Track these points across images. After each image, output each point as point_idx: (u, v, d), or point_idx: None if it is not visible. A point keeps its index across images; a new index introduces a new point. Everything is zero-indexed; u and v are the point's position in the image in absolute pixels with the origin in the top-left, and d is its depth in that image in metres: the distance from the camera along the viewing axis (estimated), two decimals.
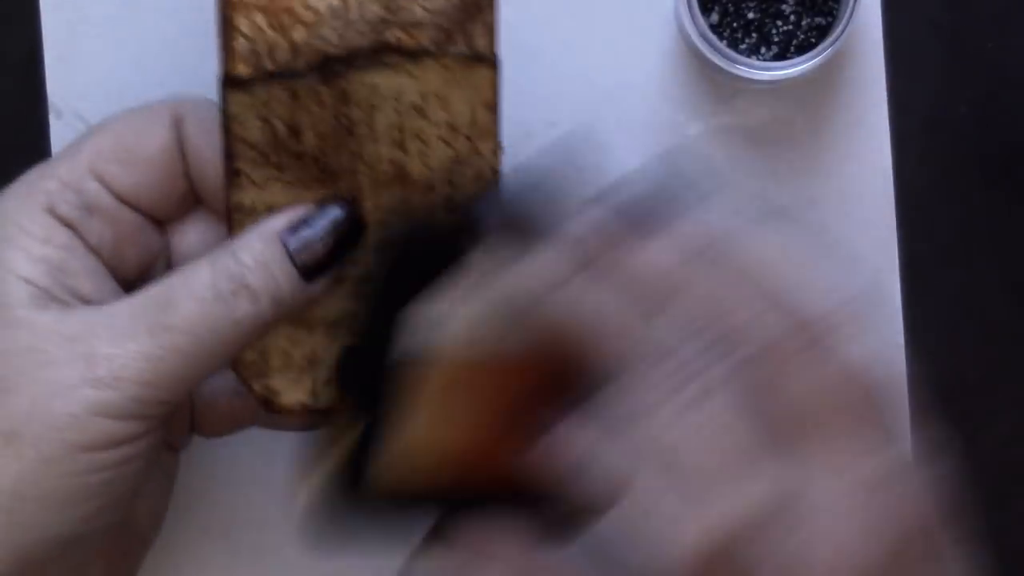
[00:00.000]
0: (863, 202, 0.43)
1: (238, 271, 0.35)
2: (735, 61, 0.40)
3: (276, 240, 0.36)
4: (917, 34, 0.43)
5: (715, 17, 0.41)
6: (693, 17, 0.40)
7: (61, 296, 0.35)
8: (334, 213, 0.36)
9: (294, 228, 0.36)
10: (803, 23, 0.41)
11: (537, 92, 0.43)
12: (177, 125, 0.37)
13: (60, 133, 0.42)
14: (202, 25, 0.41)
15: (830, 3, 0.41)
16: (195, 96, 0.38)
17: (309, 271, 0.36)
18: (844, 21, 0.39)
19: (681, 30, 0.41)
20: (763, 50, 0.41)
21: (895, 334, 0.44)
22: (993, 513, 0.46)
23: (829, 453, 0.29)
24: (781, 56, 0.41)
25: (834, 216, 0.43)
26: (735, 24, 0.41)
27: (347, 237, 0.36)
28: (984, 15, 0.43)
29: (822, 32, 0.41)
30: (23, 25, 0.42)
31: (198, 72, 0.41)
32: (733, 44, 0.41)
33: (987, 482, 0.46)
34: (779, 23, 0.41)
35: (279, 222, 0.36)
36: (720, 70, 0.40)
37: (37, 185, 0.36)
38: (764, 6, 0.41)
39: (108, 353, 0.33)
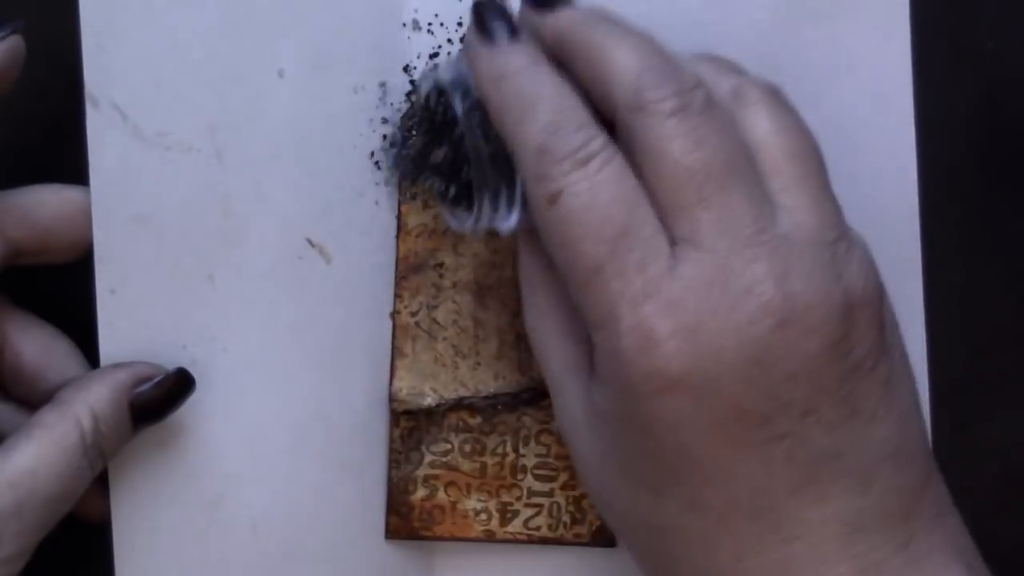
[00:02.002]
0: (886, 204, 0.44)
1: (96, 441, 0.39)
2: None
3: (126, 403, 0.40)
4: (917, 34, 0.43)
5: None
6: None
7: None
8: (172, 375, 0.41)
9: (137, 384, 0.40)
10: None
11: None
12: None
13: (96, 123, 0.41)
14: (241, 14, 0.42)
15: None
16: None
17: (137, 426, 0.41)
18: None
19: None
20: None
21: (918, 340, 0.44)
22: (993, 513, 0.46)
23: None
24: None
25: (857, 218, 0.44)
26: None
27: (176, 397, 0.41)
28: (984, 15, 0.44)
29: None
30: (61, 12, 0.41)
31: (237, 62, 0.42)
32: None
33: (987, 482, 0.47)
34: None
35: (125, 377, 0.40)
36: None
37: None
38: None
39: None
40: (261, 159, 0.42)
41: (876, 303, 0.35)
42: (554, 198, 0.34)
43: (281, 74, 0.42)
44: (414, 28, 0.43)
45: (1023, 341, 0.46)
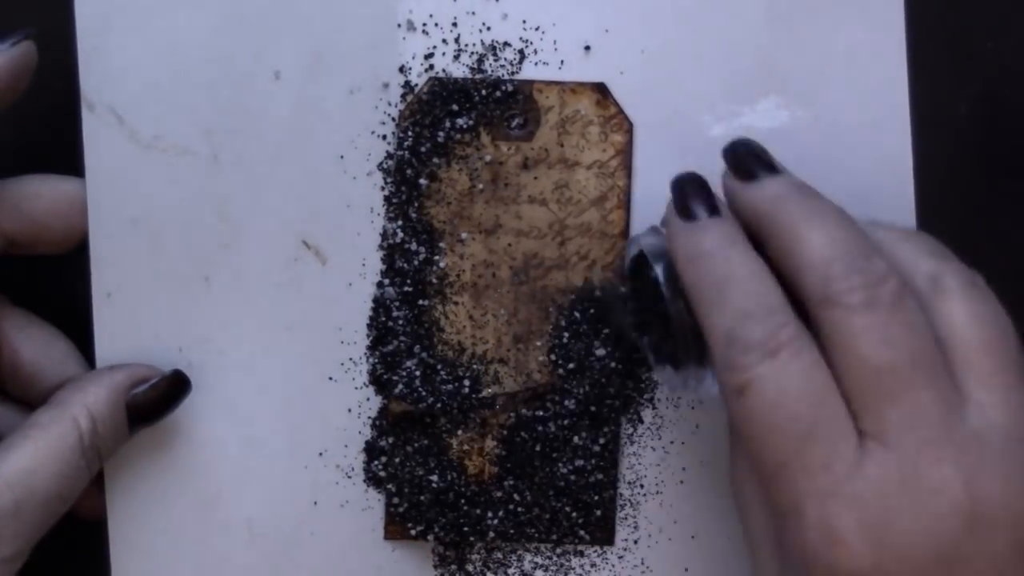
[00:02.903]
0: (884, 204, 0.43)
1: (93, 442, 0.40)
2: None
3: (123, 405, 0.40)
4: (917, 34, 0.43)
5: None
6: None
7: None
8: (168, 376, 0.42)
9: (134, 386, 0.41)
10: None
11: None
12: None
13: (93, 126, 0.41)
14: (237, 17, 0.42)
15: None
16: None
17: (134, 428, 0.41)
18: None
19: None
20: None
21: None
22: None
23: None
24: None
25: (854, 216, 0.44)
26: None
27: (172, 399, 0.42)
28: (984, 15, 0.44)
29: None
30: (56, 16, 0.42)
31: (232, 64, 0.42)
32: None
33: None
34: None
35: (122, 379, 0.41)
36: None
37: None
38: None
39: None
40: (257, 161, 0.42)
41: None
42: (742, 390, 0.33)
43: (277, 76, 0.42)
44: (409, 29, 0.43)
45: (1022, 341, 0.46)
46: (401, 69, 0.43)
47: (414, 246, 0.43)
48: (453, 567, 0.45)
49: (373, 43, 0.43)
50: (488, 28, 0.43)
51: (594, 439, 0.44)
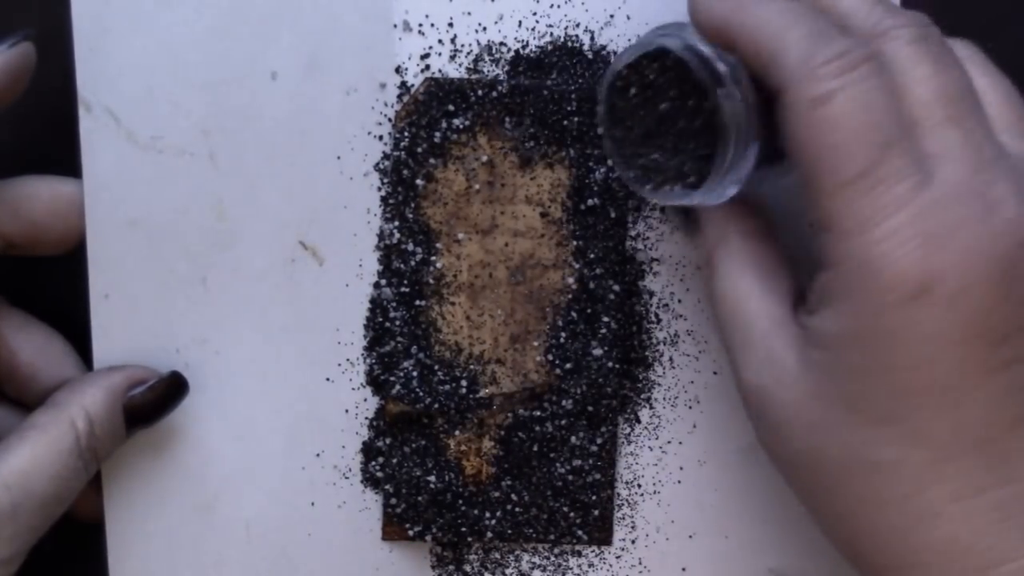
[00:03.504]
0: None
1: (90, 443, 0.40)
2: None
3: (120, 407, 0.41)
4: None
5: None
6: None
7: None
8: (165, 378, 0.42)
9: (131, 387, 0.41)
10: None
11: None
12: None
13: (90, 127, 0.42)
14: (233, 18, 0.42)
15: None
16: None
17: (131, 429, 0.42)
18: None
19: None
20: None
21: None
22: None
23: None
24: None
25: None
26: None
27: (170, 400, 0.42)
28: (984, 15, 0.44)
29: None
30: (53, 17, 0.42)
31: (229, 65, 0.42)
32: None
33: None
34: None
35: (120, 380, 0.41)
36: None
37: None
38: None
39: None
40: (254, 162, 0.43)
41: None
42: (822, 100, 0.33)
43: (274, 77, 0.42)
44: (405, 29, 0.43)
45: None
46: (397, 70, 0.43)
47: (411, 247, 0.43)
48: (451, 567, 0.45)
49: (369, 44, 0.43)
50: (484, 28, 0.43)
51: (591, 439, 0.44)
